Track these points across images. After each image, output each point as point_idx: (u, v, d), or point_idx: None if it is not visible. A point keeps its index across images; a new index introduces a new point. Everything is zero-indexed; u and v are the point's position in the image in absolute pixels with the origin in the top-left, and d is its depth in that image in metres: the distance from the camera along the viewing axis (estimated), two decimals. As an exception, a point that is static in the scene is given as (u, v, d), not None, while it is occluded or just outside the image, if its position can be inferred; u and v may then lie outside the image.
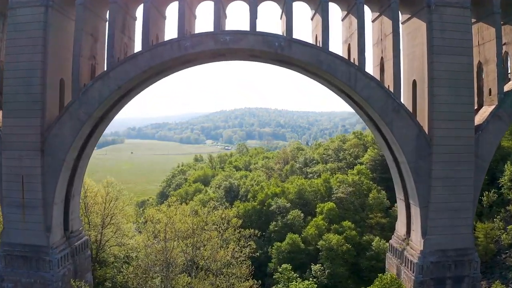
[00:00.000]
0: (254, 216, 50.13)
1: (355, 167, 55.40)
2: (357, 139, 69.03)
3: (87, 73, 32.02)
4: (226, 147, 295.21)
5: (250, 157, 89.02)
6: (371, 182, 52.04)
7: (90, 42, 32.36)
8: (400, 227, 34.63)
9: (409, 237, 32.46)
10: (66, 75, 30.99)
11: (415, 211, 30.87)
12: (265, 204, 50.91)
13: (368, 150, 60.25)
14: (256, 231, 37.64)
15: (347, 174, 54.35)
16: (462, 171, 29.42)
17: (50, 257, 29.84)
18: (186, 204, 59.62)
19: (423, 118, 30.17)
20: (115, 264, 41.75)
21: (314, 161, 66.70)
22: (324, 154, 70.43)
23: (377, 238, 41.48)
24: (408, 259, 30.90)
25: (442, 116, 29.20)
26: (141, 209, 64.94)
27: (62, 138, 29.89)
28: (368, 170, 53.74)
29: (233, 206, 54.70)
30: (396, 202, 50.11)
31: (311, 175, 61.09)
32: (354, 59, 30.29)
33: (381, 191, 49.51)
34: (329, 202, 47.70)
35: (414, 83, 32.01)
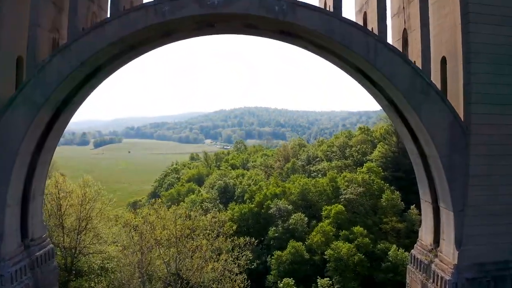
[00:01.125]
0: (251, 220, 44.59)
1: (364, 164, 49.82)
2: (364, 135, 63.65)
3: (47, 48, 26.25)
4: (225, 146, 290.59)
5: (248, 155, 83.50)
6: (382, 182, 46.56)
7: (52, 12, 26.56)
8: (425, 234, 28.72)
9: (437, 248, 26.62)
10: (26, 52, 25.31)
11: (447, 217, 25.08)
12: (264, 206, 45.33)
13: (378, 146, 54.78)
14: (253, 239, 32.34)
15: (355, 173, 48.85)
16: (506, 167, 23.58)
17: (1, 271, 24.25)
18: (177, 205, 54.25)
19: (455, 103, 24.37)
20: (90, 275, 36.49)
21: (318, 159, 61.12)
22: (328, 151, 65.04)
23: (394, 246, 35.95)
24: (437, 275, 25.07)
25: (482, 99, 23.33)
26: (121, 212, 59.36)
27: (15, 126, 24.03)
28: (380, 168, 48.16)
29: (227, 208, 49.26)
30: (412, 204, 44.91)
31: (314, 173, 55.49)
32: (372, 28, 24.52)
33: (394, 191, 44.02)
34: (336, 204, 42.06)
35: (443, 60, 26.14)
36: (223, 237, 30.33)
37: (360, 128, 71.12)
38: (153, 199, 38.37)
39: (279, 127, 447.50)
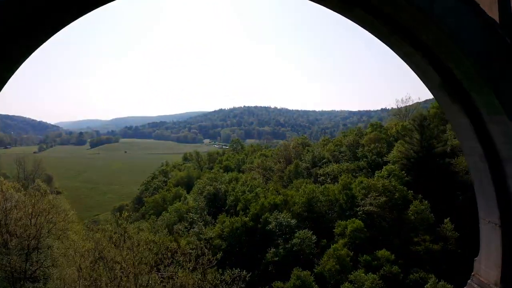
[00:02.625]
0: (244, 237, 35.42)
1: (383, 167, 40.87)
2: (378, 132, 54.90)
3: None
4: (223, 146, 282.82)
5: (245, 155, 74.59)
6: (405, 188, 37.76)
7: None
8: (486, 268, 19.50)
9: (506, 288, 17.47)
10: None
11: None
12: (261, 220, 36.31)
13: (396, 145, 45.97)
14: (244, 272, 23.70)
15: (371, 177, 40.05)
16: None
17: None
18: (156, 217, 45.81)
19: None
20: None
21: (325, 160, 51.95)
22: (335, 151, 56.21)
23: (433, 276, 27.21)
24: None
25: None
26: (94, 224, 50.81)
27: None
28: (403, 172, 39.28)
29: (216, 220, 40.39)
30: (444, 216, 36.51)
31: (322, 178, 46.33)
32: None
33: (423, 201, 35.34)
34: (353, 219, 33.01)
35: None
36: (200, 269, 21.81)
37: (371, 125, 62.16)
38: (118, 213, 29.70)
39: (278, 127, 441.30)
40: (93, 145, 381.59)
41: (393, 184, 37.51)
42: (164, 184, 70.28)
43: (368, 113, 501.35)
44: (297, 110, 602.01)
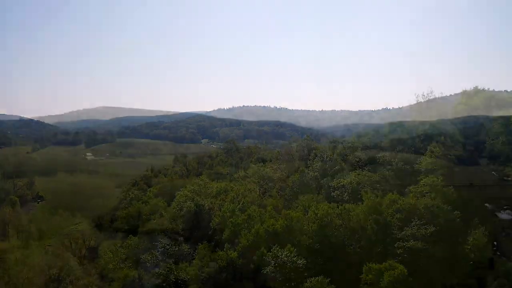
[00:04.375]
0: (232, 281, 24.85)
1: (422, 180, 30.46)
2: (400, 132, 44.71)
3: None
4: (222, 146, 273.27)
5: (240, 159, 64.17)
6: (449, 208, 27.49)
7: None
8: None
9: None
10: None
11: None
12: (255, 256, 25.77)
13: (430, 148, 35.78)
14: None
15: (403, 193, 29.81)
16: None
17: None
18: (122, 241, 35.84)
19: None
20: None
21: (337, 167, 41.17)
22: (346, 154, 45.83)
23: None
24: None
25: None
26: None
27: None
28: (450, 188, 28.86)
29: (196, 251, 30.11)
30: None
31: (337, 192, 35.46)
32: None
33: (478, 226, 25.11)
34: (391, 261, 22.48)
35: None
36: None
37: (391, 124, 51.76)
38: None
39: (278, 127, 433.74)
40: (88, 145, 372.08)
41: (435, 203, 27.29)
42: (143, 194, 59.93)
43: (369, 113, 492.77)
44: (297, 110, 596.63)
